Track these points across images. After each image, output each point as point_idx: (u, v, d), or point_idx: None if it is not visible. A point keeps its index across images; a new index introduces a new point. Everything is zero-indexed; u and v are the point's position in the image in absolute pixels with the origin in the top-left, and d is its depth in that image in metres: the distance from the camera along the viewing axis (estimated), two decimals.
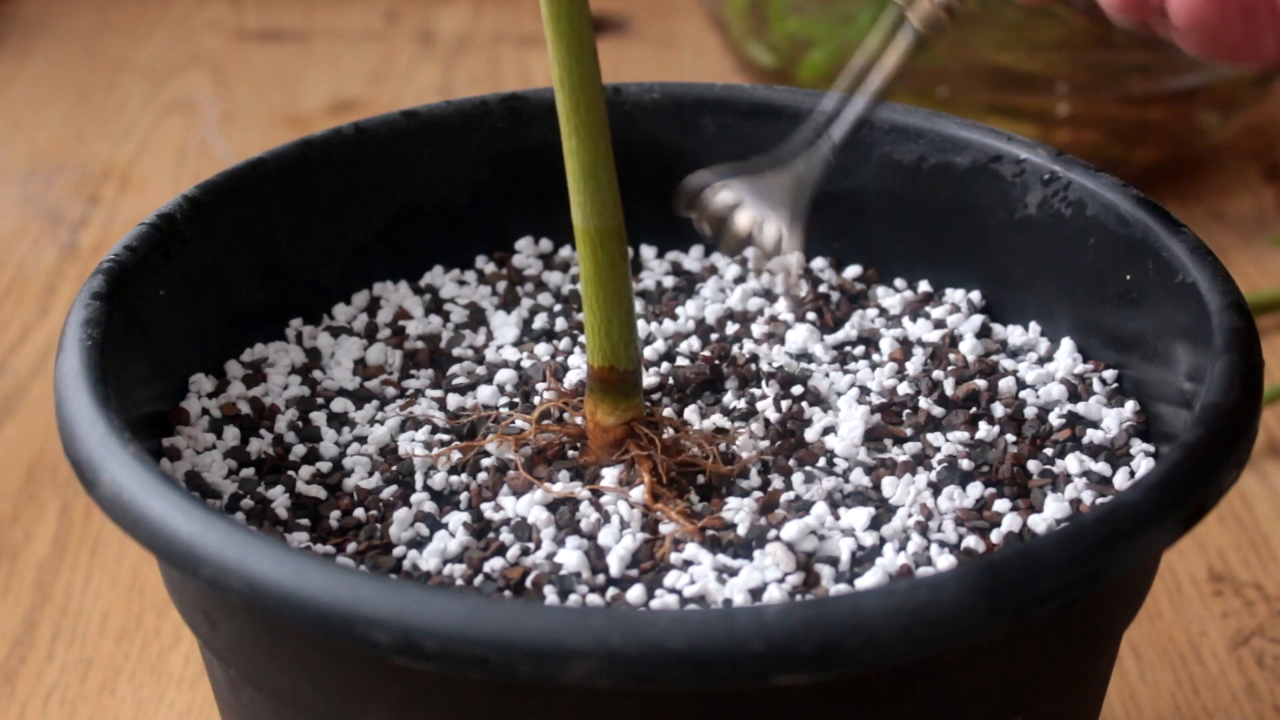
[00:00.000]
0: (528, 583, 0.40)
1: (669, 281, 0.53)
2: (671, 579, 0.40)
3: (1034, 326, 0.50)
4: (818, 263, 0.53)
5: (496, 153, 0.53)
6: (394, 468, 0.44)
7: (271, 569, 0.35)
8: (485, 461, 0.44)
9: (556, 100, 0.41)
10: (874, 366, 0.49)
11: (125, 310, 0.44)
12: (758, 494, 0.43)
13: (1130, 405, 0.46)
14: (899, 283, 0.52)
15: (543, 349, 0.49)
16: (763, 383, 0.47)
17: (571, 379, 0.47)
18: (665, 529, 0.42)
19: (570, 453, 0.44)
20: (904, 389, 0.47)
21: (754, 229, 0.43)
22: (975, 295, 0.51)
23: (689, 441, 0.44)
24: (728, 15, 0.87)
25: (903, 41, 0.44)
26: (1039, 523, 0.42)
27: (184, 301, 0.47)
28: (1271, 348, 0.72)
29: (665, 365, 0.48)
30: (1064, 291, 0.49)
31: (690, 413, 0.46)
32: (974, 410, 0.47)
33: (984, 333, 0.50)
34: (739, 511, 0.42)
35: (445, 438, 0.46)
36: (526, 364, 0.48)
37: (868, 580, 0.40)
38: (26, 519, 0.64)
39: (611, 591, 0.40)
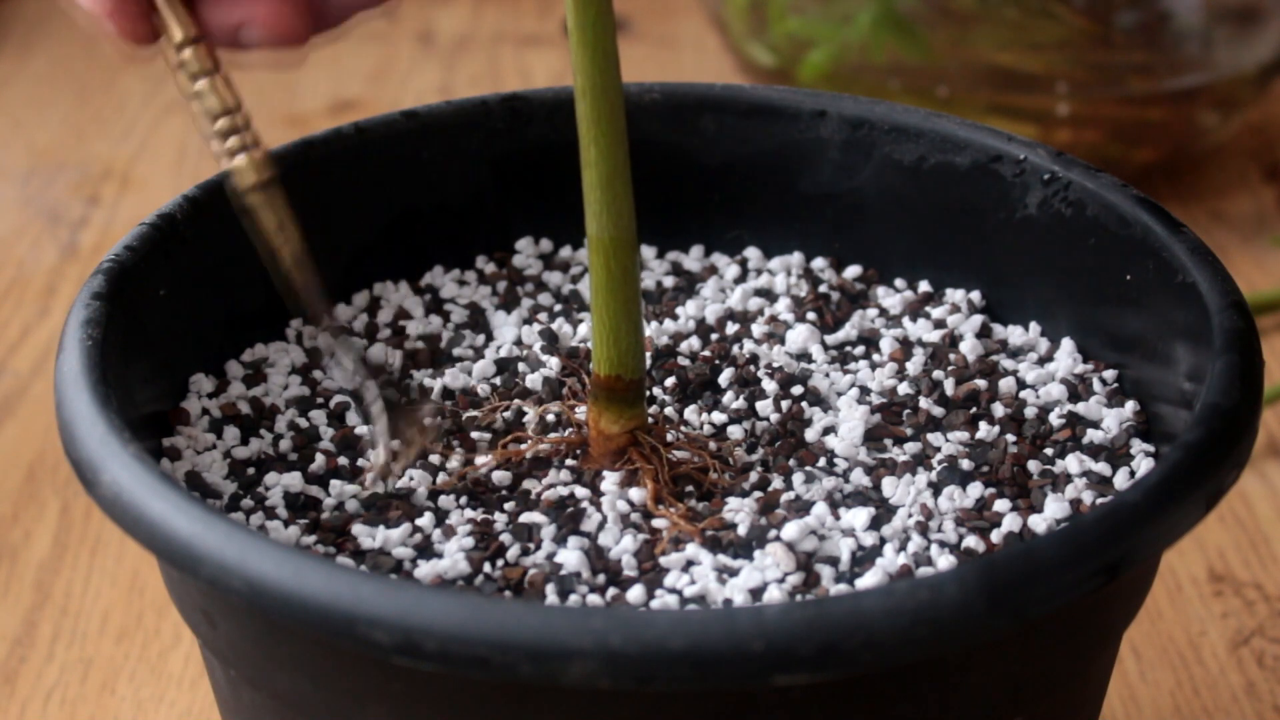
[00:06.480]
0: (528, 583, 0.40)
1: (669, 281, 0.53)
2: (671, 579, 0.40)
3: (1034, 326, 0.50)
4: (818, 263, 0.53)
5: (496, 153, 0.53)
6: None
7: (271, 569, 0.35)
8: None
9: (577, 110, 0.40)
10: (874, 366, 0.49)
11: (125, 310, 0.44)
12: (758, 494, 0.43)
13: (1130, 405, 0.46)
14: (899, 283, 0.52)
15: (543, 351, 0.49)
16: (763, 383, 0.47)
17: (571, 382, 0.47)
18: (663, 526, 0.42)
19: (569, 461, 0.44)
20: (904, 389, 0.47)
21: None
22: (975, 295, 0.51)
23: (690, 451, 0.44)
24: (728, 15, 0.87)
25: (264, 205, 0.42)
26: (1039, 523, 0.42)
27: (184, 301, 0.47)
28: (1271, 348, 0.72)
29: (665, 365, 0.48)
30: (1064, 291, 0.49)
31: (690, 413, 0.46)
32: (974, 410, 0.47)
33: (984, 333, 0.50)
34: (739, 512, 0.42)
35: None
36: (526, 366, 0.48)
37: (868, 580, 0.40)
38: (26, 519, 0.64)
39: (611, 591, 0.40)
